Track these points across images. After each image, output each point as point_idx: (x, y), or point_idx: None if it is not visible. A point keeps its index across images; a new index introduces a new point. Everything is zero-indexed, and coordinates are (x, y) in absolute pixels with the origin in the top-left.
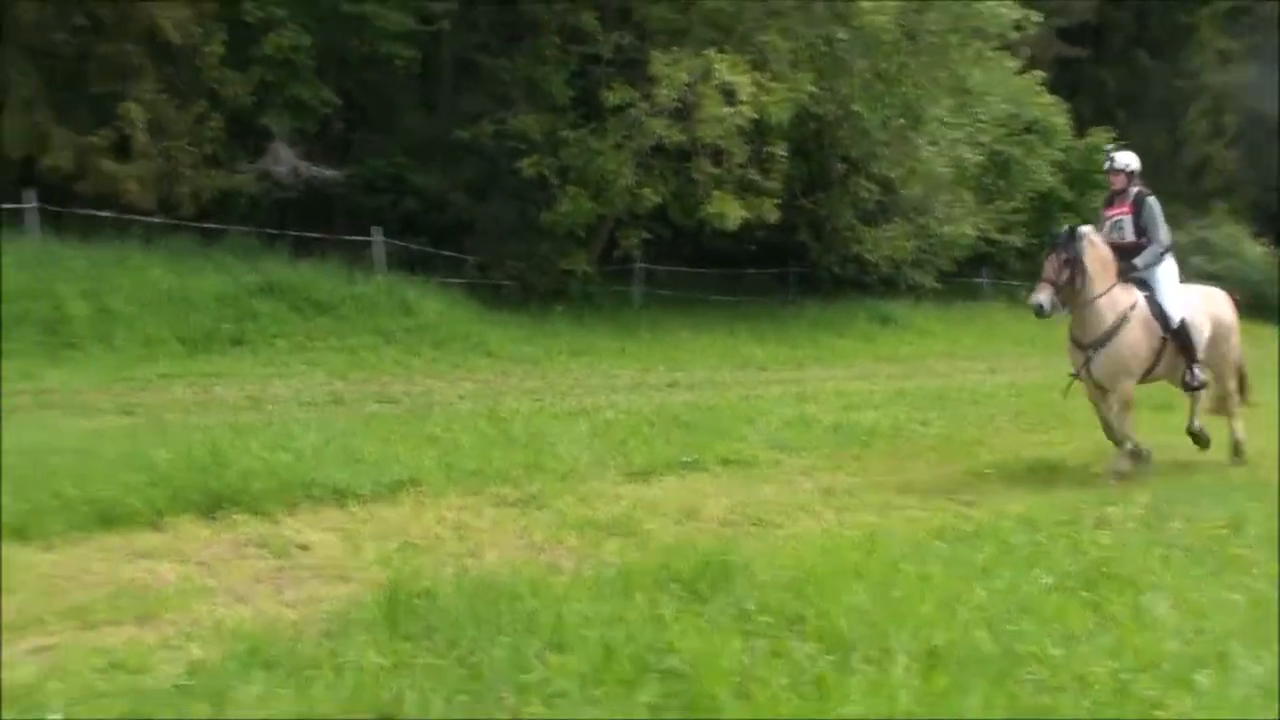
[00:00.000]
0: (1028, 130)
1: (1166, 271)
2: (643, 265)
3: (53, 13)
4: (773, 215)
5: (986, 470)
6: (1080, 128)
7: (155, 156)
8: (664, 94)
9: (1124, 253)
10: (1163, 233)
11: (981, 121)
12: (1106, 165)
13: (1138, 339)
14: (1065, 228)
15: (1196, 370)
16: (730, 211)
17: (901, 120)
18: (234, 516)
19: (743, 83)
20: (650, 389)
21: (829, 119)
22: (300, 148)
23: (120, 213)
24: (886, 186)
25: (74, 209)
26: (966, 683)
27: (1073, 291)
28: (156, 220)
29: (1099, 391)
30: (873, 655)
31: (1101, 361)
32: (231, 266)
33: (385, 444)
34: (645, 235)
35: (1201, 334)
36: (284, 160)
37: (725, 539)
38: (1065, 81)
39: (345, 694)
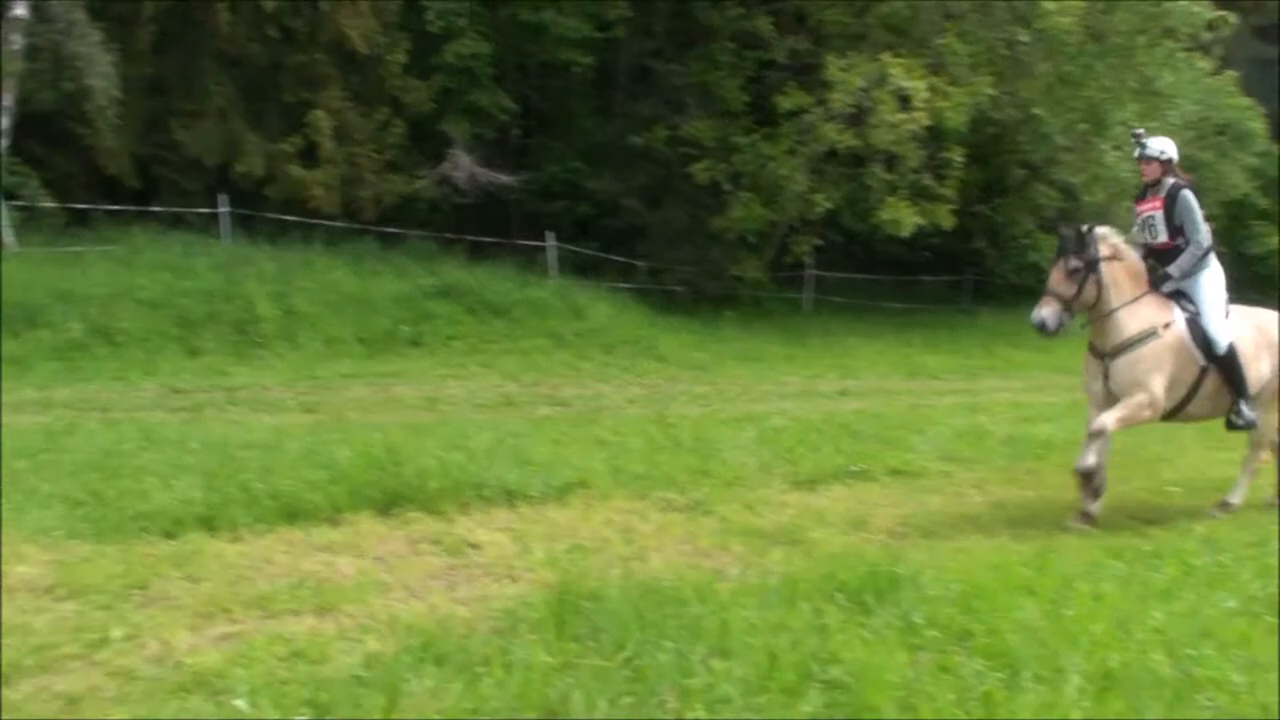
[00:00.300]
0: (1220, 134)
1: (1211, 282)
2: (814, 271)
3: (247, 25)
4: (948, 222)
5: (1169, 488)
6: (1278, 131)
7: (340, 163)
8: (838, 99)
9: (1158, 256)
10: (1201, 233)
11: (1171, 125)
12: (1136, 153)
13: (1163, 357)
14: (1075, 229)
15: (1244, 408)
16: (904, 218)
17: (1085, 124)
18: (409, 514)
19: (918, 88)
20: (819, 396)
21: (1008, 123)
22: (478, 154)
23: (306, 217)
24: (1068, 193)
25: (264, 213)
26: (1142, 706)
27: (1083, 303)
28: (340, 224)
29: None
30: (1043, 674)
31: (1121, 369)
32: (410, 270)
33: (555, 446)
34: (817, 241)
35: (1260, 365)
36: (462, 166)
37: (892, 550)
38: (1262, 83)
39: (513, 691)
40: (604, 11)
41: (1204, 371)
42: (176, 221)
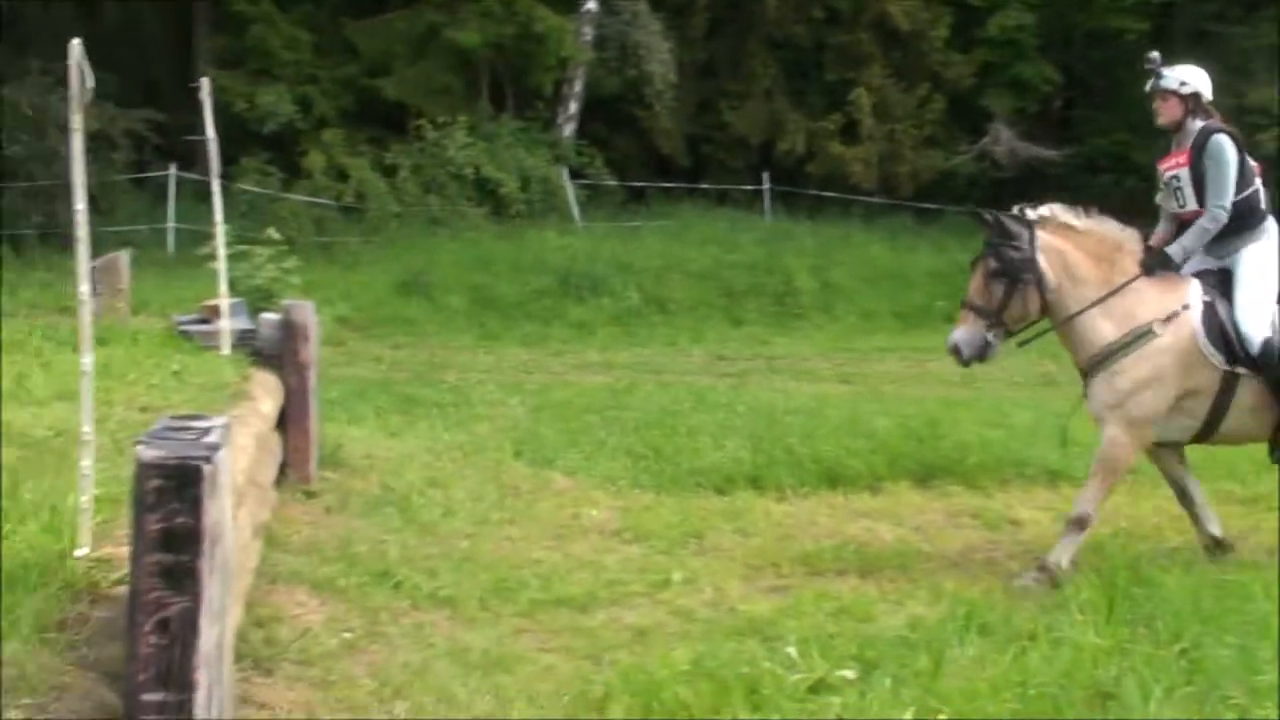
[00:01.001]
0: None
1: (1256, 258)
2: None
3: (793, 7)
4: None
5: None
6: None
7: (879, 139)
8: None
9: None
10: (1226, 196)
11: None
12: (1148, 85)
13: (1158, 364)
14: (994, 214)
15: None
16: None
17: None
18: (947, 487)
19: None
20: None
21: None
22: (1019, 127)
23: (844, 193)
24: None
25: (803, 190)
26: None
27: (1019, 316)
28: (876, 200)
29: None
30: None
31: (1096, 389)
32: (946, 245)
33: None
34: None
35: None
36: (1003, 140)
37: None
38: None
39: (1061, 668)
40: None
41: (1232, 378)
42: (722, 198)
